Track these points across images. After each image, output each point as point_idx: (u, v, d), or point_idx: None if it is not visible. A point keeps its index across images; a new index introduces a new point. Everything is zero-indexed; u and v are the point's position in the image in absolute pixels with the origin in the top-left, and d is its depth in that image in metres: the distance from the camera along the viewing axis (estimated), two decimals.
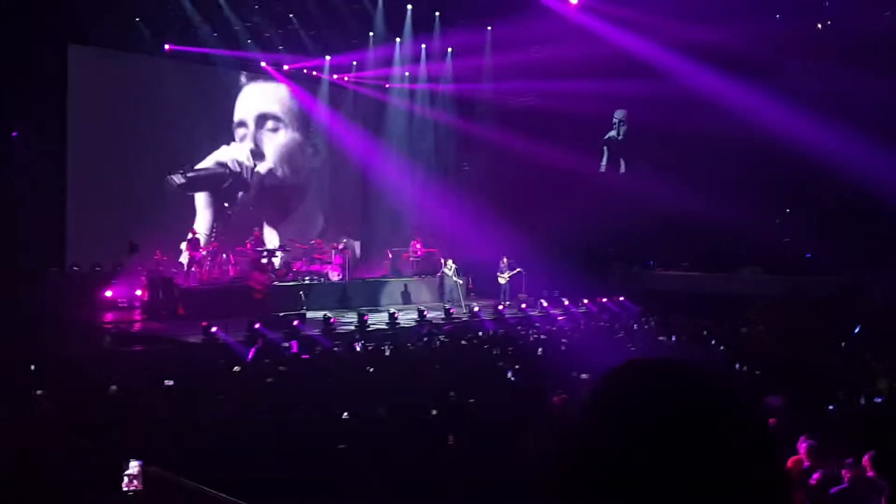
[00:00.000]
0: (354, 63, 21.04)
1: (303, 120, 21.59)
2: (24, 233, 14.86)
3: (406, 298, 18.59)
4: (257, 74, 20.68)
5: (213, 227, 19.24)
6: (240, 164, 20.31)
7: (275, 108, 21.13)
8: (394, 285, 18.85)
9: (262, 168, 20.79)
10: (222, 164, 19.99)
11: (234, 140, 20.36)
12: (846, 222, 16.20)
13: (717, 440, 0.70)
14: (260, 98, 20.89)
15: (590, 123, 20.82)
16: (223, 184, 19.97)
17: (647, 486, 0.68)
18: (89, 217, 16.90)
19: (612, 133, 21.87)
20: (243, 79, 20.58)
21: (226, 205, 20.06)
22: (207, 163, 19.77)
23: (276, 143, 21.19)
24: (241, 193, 20.46)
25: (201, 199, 19.73)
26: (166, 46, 18.32)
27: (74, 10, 16.01)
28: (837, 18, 17.05)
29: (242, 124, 20.56)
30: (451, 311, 16.08)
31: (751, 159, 17.48)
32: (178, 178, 18.89)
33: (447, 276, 18.29)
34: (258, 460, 5.79)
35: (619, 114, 21.56)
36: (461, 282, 18.29)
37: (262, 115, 20.87)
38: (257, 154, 20.71)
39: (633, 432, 0.70)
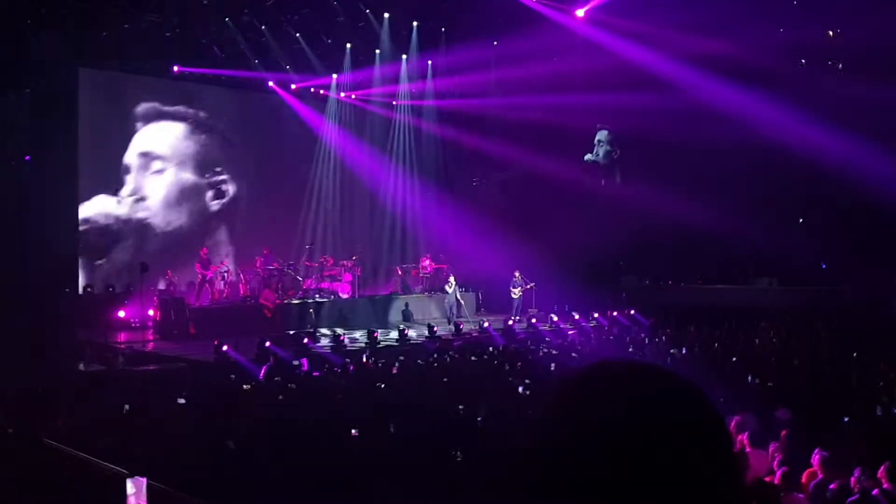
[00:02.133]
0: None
1: (201, 161, 19.26)
2: (38, 255, 15.03)
3: (416, 315, 18.58)
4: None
5: None
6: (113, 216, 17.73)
7: (163, 148, 18.61)
8: (403, 302, 18.85)
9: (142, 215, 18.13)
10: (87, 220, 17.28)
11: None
12: (859, 232, 16.06)
13: (675, 440, 0.71)
14: (147, 139, 18.37)
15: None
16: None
17: (609, 485, 0.68)
18: (101, 239, 17.07)
19: (590, 156, 20.51)
20: (139, 123, 18.23)
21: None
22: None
23: (162, 185, 18.56)
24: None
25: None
26: (175, 68, 18.31)
27: (85, 35, 16.25)
28: (846, 27, 17.00)
29: (127, 170, 18.06)
30: (461, 326, 16.05)
31: (762, 170, 17.39)
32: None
33: (448, 292, 18.28)
34: (268, 477, 5.78)
35: (601, 135, 20.38)
36: (460, 298, 18.16)
37: (145, 155, 18.33)
38: (139, 199, 18.17)
39: (595, 432, 0.71)
